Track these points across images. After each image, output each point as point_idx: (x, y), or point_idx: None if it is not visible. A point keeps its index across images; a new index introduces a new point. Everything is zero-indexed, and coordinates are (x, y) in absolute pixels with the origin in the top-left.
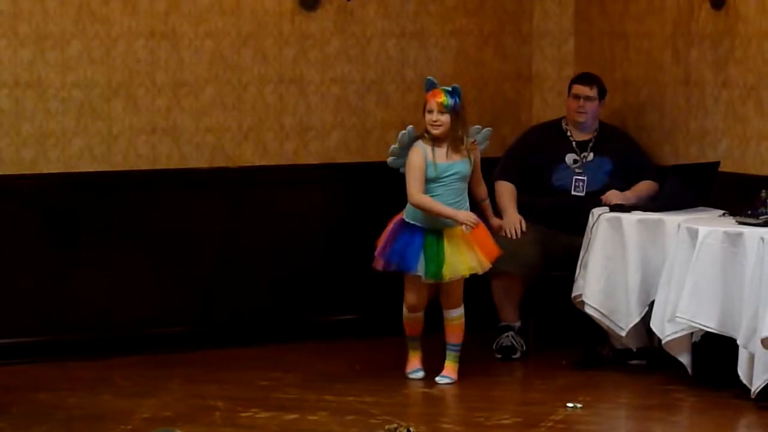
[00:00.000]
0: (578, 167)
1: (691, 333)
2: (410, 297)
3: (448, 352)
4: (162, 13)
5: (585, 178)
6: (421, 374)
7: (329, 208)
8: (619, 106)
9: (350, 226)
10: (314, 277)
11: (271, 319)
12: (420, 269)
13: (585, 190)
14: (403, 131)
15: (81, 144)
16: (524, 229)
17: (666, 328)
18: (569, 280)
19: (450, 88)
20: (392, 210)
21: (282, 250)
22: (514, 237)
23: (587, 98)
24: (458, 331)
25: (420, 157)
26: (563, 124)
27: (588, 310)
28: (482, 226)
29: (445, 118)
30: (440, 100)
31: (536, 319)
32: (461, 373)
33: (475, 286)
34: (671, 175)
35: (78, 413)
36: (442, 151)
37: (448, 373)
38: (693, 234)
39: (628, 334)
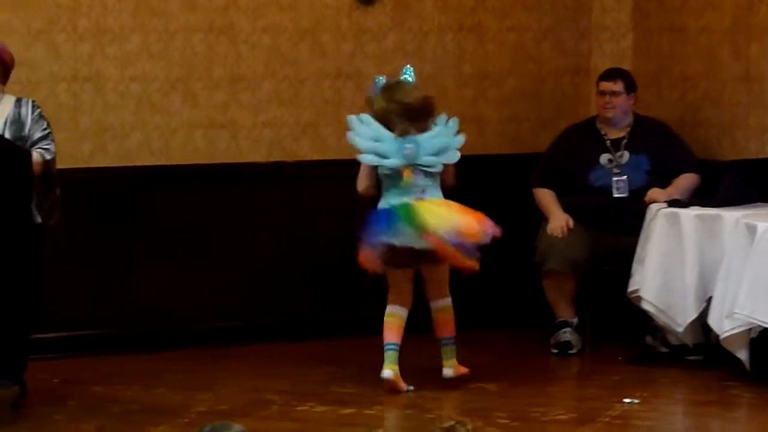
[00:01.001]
0: (614, 167)
1: (749, 329)
2: (393, 291)
3: (442, 349)
4: (220, 7)
5: (625, 177)
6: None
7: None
8: (677, 101)
9: None
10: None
11: (328, 312)
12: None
13: (627, 190)
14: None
15: (139, 138)
16: (571, 226)
17: (724, 324)
18: (624, 275)
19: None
20: None
21: (338, 245)
22: (563, 235)
23: (613, 93)
24: (450, 323)
25: None
26: (597, 123)
27: (645, 306)
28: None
29: None
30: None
31: (592, 314)
32: (516, 368)
33: (527, 281)
34: (730, 170)
35: (133, 407)
36: None
37: (457, 369)
38: (751, 229)
39: (685, 329)
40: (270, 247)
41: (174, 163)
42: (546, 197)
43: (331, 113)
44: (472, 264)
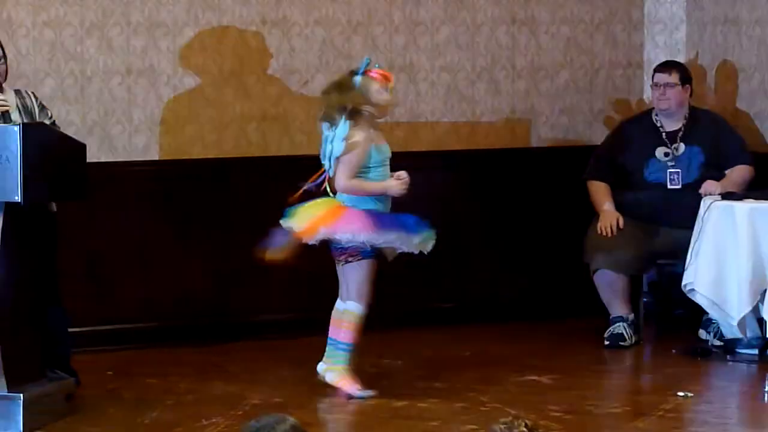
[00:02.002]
0: (670, 160)
1: None
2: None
3: (329, 349)
4: (273, 1)
5: (679, 170)
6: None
7: (439, 196)
8: (731, 94)
9: (457, 214)
10: (422, 263)
11: (380, 305)
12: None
13: (681, 182)
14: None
15: (192, 131)
16: (621, 225)
17: None
18: (677, 268)
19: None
20: (502, 198)
21: None
22: (611, 234)
23: (667, 85)
24: (338, 327)
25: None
26: (653, 115)
27: (698, 299)
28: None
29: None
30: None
31: (645, 307)
32: (570, 361)
33: (580, 273)
34: None
35: (188, 398)
36: (376, 134)
37: (331, 377)
38: None
39: (739, 323)
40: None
41: (227, 156)
42: (600, 190)
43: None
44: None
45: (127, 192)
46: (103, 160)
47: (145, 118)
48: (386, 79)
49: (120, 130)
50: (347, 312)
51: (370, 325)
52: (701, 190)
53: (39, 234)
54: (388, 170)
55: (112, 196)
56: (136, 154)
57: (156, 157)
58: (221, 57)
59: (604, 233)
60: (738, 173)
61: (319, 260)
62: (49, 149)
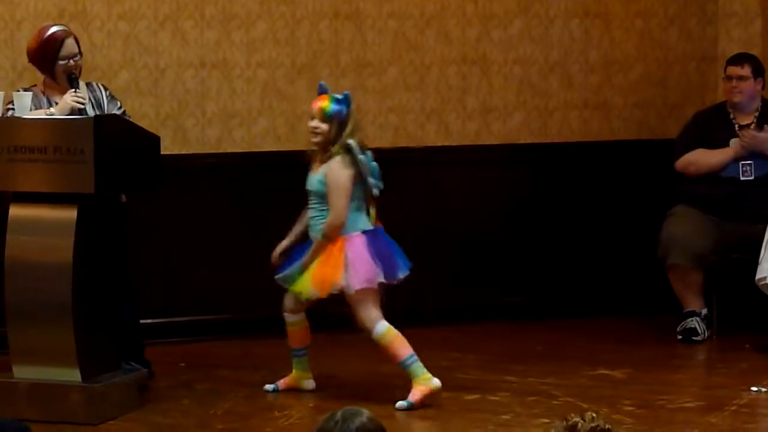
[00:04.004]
0: (743, 153)
1: None
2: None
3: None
4: None
5: (752, 162)
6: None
7: (510, 189)
8: None
9: (529, 207)
10: (492, 257)
11: (451, 299)
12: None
13: (753, 174)
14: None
15: (265, 124)
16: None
17: None
18: (752, 262)
19: (341, 96)
20: (574, 191)
21: (462, 231)
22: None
23: (740, 78)
24: (386, 353)
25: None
26: (726, 108)
27: None
28: (338, 254)
29: (326, 127)
30: (322, 105)
31: (719, 302)
32: (642, 356)
33: (653, 268)
34: None
35: (260, 391)
36: (316, 163)
37: (410, 397)
38: None
39: None
40: (395, 231)
41: (300, 148)
42: (701, 151)
43: (456, 99)
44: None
45: (200, 184)
46: (176, 152)
47: (218, 110)
48: (313, 105)
49: (193, 123)
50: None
51: (440, 319)
52: (746, 133)
53: (111, 225)
54: (313, 203)
55: (185, 189)
56: (209, 147)
57: (229, 150)
58: (294, 50)
59: (748, 140)
60: None
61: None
62: (122, 141)
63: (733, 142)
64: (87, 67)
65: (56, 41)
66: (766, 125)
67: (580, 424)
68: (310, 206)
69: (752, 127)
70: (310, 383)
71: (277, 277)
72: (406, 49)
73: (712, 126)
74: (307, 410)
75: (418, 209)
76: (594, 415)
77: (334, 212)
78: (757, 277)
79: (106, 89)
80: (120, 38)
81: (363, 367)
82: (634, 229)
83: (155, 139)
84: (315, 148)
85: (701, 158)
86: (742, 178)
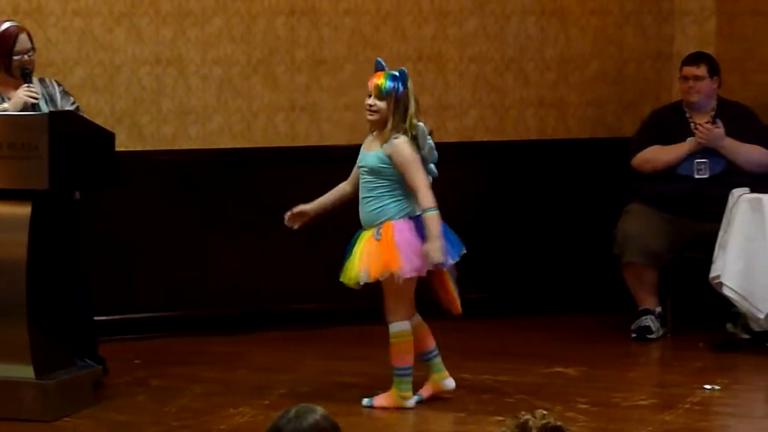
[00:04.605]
0: (698, 150)
1: None
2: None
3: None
4: None
5: (707, 160)
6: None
7: (466, 187)
8: (762, 86)
9: (485, 205)
10: None
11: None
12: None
13: (708, 172)
14: None
15: (221, 121)
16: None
17: None
18: (706, 261)
19: (396, 72)
20: (530, 189)
21: None
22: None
23: (696, 78)
24: (394, 352)
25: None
26: (683, 106)
27: (726, 292)
28: (390, 239)
29: (382, 104)
30: (378, 82)
31: (673, 300)
32: (597, 354)
33: (608, 266)
34: None
35: (215, 388)
36: (374, 141)
37: (376, 397)
38: None
39: (766, 316)
40: (350, 230)
41: (255, 146)
42: (657, 147)
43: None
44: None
45: (155, 181)
46: (131, 149)
47: (173, 107)
48: (371, 79)
49: (148, 120)
50: (392, 335)
51: None
52: (703, 127)
53: (65, 222)
54: (361, 179)
55: (140, 185)
56: (164, 143)
57: (184, 147)
58: (250, 47)
59: (703, 135)
60: (754, 147)
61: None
62: (77, 138)
63: (690, 140)
64: (42, 63)
65: (10, 37)
66: (719, 120)
67: (530, 422)
68: (361, 185)
69: (707, 123)
70: (450, 382)
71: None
72: (362, 46)
73: (669, 125)
74: (262, 408)
75: None
76: (545, 412)
77: (422, 187)
78: (711, 275)
79: (59, 85)
80: (75, 34)
81: (321, 364)
82: (589, 227)
83: (110, 136)
84: (372, 126)
85: (657, 155)
86: (696, 176)
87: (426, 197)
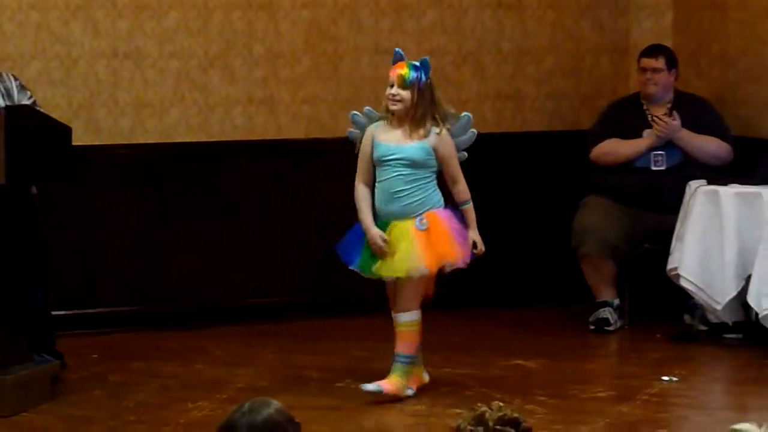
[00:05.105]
0: (656, 143)
1: None
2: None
3: (393, 364)
4: None
5: (664, 152)
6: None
7: None
8: (717, 79)
9: (447, 197)
10: None
11: (366, 290)
12: (360, 264)
13: (665, 164)
14: (355, 112)
15: (178, 114)
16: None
17: (763, 302)
18: (664, 253)
19: (417, 62)
20: (488, 182)
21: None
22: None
23: (654, 70)
24: (406, 340)
25: (365, 142)
26: (640, 99)
27: (683, 284)
28: (445, 227)
29: (406, 94)
30: (402, 72)
31: (631, 292)
32: (555, 346)
33: (566, 259)
34: None
35: (172, 382)
36: (397, 132)
37: (382, 383)
38: None
39: (724, 307)
40: (308, 223)
41: (213, 139)
42: (614, 141)
43: (370, 89)
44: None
45: (113, 175)
46: (88, 143)
47: (131, 100)
48: (394, 69)
49: (106, 113)
50: (409, 323)
51: (356, 310)
52: (659, 120)
53: (22, 216)
54: (390, 172)
55: (98, 179)
56: (121, 137)
57: (141, 140)
58: (207, 40)
59: (660, 128)
60: (712, 141)
61: (306, 244)
62: (33, 132)
63: (647, 132)
64: None
65: None
66: (675, 112)
67: (487, 414)
68: (392, 177)
69: (664, 116)
70: (426, 376)
71: (355, 267)
72: (320, 39)
73: (626, 117)
74: (220, 402)
75: (332, 200)
76: (501, 404)
77: (462, 179)
78: (669, 267)
79: (16, 79)
80: (31, 28)
81: (280, 358)
82: (547, 219)
83: (67, 130)
84: (393, 115)
85: (616, 148)
86: (653, 168)
87: (466, 188)
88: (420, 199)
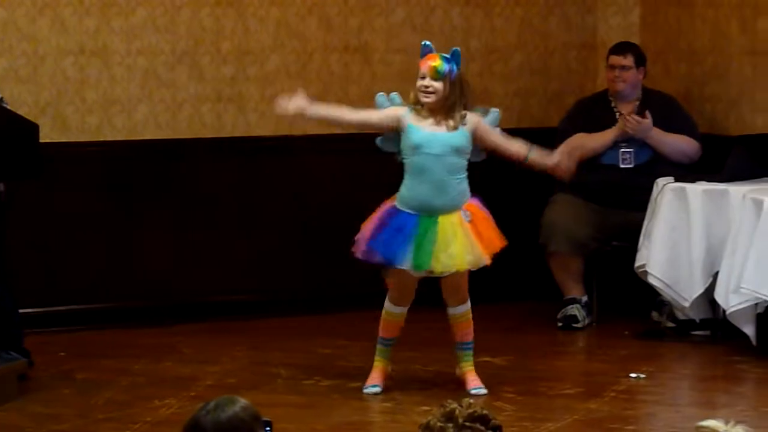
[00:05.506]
0: (623, 140)
1: (756, 304)
2: (394, 288)
3: (462, 354)
4: None
5: (632, 150)
6: (377, 390)
7: (394, 177)
8: (684, 76)
9: None
10: None
11: (335, 287)
12: (407, 262)
13: (633, 162)
14: (381, 93)
15: (145, 111)
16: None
17: (730, 299)
18: (632, 250)
19: (448, 54)
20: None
21: (345, 218)
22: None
23: (622, 67)
24: (467, 328)
25: (393, 112)
26: (608, 96)
27: (651, 281)
28: (485, 215)
29: (439, 85)
30: (434, 64)
31: (599, 289)
32: (523, 343)
33: (535, 255)
34: (737, 145)
35: (141, 380)
36: (429, 122)
37: (476, 383)
38: (758, 204)
39: (691, 304)
40: (277, 220)
41: (181, 136)
42: (580, 136)
43: (338, 87)
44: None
45: (80, 172)
46: (56, 140)
47: (98, 97)
48: (426, 60)
49: (73, 110)
50: (467, 313)
51: (325, 307)
52: (630, 119)
53: None
54: (434, 162)
55: (65, 177)
56: (89, 135)
57: (109, 138)
58: (175, 37)
59: (632, 127)
60: (681, 138)
61: (274, 242)
62: (0, 130)
63: (614, 127)
64: None
65: None
66: (647, 112)
67: (457, 411)
68: (438, 168)
69: (634, 113)
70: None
71: (414, 267)
72: (288, 36)
73: (594, 114)
74: (188, 399)
75: (301, 197)
76: (471, 401)
77: (509, 137)
78: (637, 264)
79: None
80: None
81: (248, 355)
82: (515, 216)
83: (34, 127)
84: (426, 107)
85: (583, 142)
86: (621, 166)
87: (518, 141)
88: (463, 189)
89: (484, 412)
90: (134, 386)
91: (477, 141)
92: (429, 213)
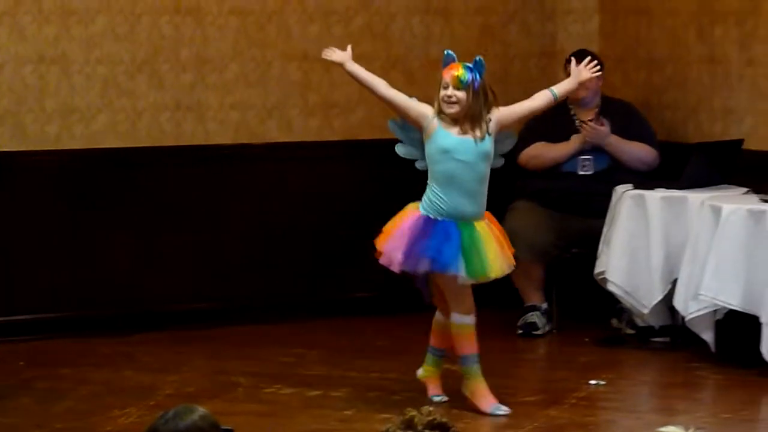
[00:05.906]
0: (584, 147)
1: (714, 310)
2: (438, 298)
3: (469, 367)
4: None
5: (591, 157)
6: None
7: (353, 185)
8: (643, 84)
9: (372, 202)
10: (338, 253)
11: (294, 296)
12: (461, 269)
13: (593, 169)
14: (392, 119)
15: (105, 120)
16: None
17: (689, 306)
18: (591, 257)
19: (471, 64)
20: (417, 187)
21: (307, 227)
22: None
23: None
24: (472, 340)
25: (424, 110)
26: (567, 103)
27: (610, 288)
28: (497, 222)
29: (462, 95)
30: (457, 73)
31: (559, 296)
32: (483, 350)
33: None
34: (695, 152)
35: (100, 389)
36: (456, 131)
37: (494, 402)
38: (716, 211)
39: (650, 311)
40: (237, 229)
41: (140, 145)
42: (541, 145)
43: (298, 95)
44: None
45: (39, 181)
46: (14, 149)
47: (57, 106)
48: (449, 70)
49: (32, 119)
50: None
51: (285, 315)
52: (587, 126)
53: None
54: (465, 170)
55: (24, 185)
56: (48, 143)
57: (68, 146)
58: (134, 45)
59: (588, 134)
60: (639, 146)
61: (233, 250)
62: None
63: (575, 137)
64: None
65: None
66: (603, 118)
67: (416, 418)
68: (471, 177)
69: (592, 121)
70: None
71: (470, 274)
72: (248, 45)
73: (554, 121)
74: (147, 408)
75: (261, 205)
76: (431, 409)
77: (528, 98)
78: (596, 271)
79: None
80: None
81: (208, 364)
82: None
83: None
84: (450, 117)
85: (544, 152)
86: (580, 173)
87: (536, 94)
88: (486, 197)
89: (444, 419)
90: (94, 395)
91: (506, 126)
92: (464, 221)
